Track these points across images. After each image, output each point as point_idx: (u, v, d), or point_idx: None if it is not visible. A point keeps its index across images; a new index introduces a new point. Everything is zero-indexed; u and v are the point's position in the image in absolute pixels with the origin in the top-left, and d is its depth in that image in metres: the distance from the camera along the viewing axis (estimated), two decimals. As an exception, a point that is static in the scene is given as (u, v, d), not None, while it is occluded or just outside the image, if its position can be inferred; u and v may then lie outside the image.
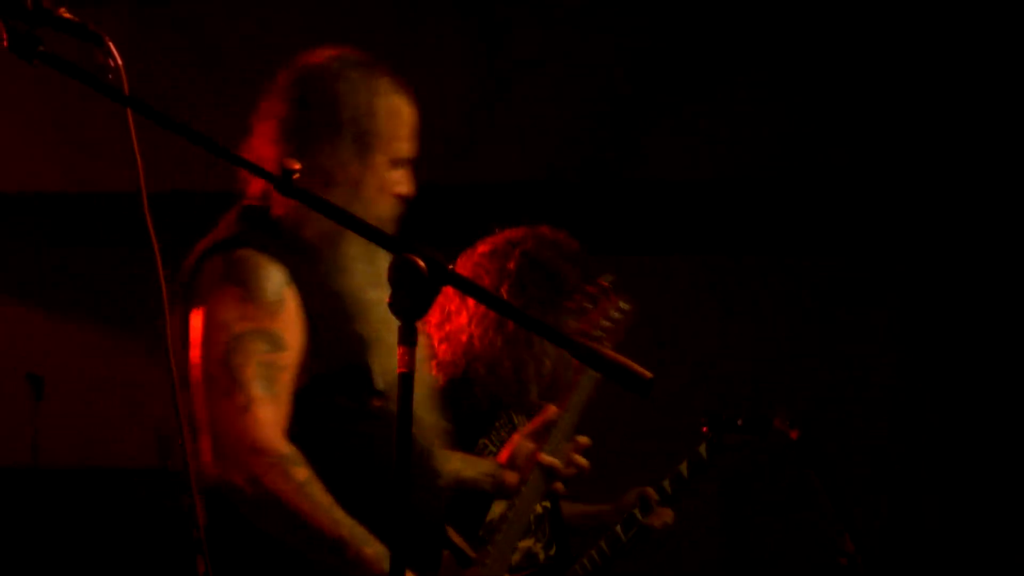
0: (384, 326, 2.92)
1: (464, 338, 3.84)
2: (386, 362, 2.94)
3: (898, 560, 5.41)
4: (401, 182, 3.04)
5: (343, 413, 2.91)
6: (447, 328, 3.89)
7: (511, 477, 3.34)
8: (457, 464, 3.29)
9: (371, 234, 2.35)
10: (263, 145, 2.99)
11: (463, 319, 3.85)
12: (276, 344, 2.82)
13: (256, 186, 3.01)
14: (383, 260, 2.96)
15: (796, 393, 5.61)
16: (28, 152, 5.88)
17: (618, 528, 4.16)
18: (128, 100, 2.20)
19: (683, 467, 4.24)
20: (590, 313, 3.57)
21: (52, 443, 5.72)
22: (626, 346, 3.09)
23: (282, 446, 2.76)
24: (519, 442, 3.39)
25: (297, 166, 2.26)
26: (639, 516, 4.16)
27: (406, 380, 2.18)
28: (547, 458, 3.31)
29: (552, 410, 3.38)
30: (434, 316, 3.94)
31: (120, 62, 2.25)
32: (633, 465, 3.57)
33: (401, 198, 3.05)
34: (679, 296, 5.99)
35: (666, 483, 4.24)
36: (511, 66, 5.75)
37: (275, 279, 2.85)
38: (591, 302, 3.57)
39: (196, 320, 2.86)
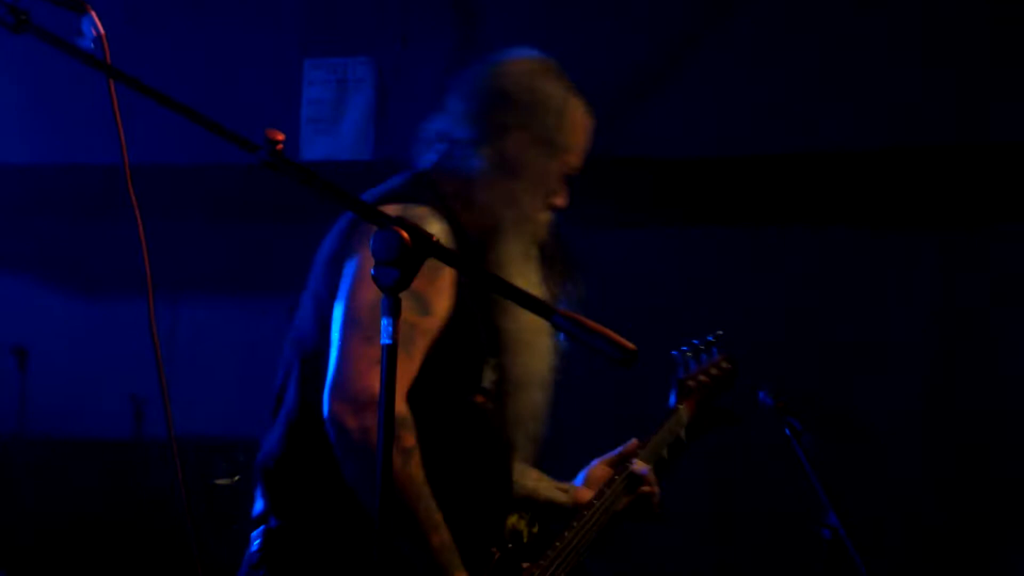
0: (528, 327, 3.00)
1: None
2: (517, 359, 3.01)
3: (938, 528, 5.39)
4: (561, 195, 3.10)
5: (446, 398, 2.93)
6: None
7: (585, 495, 3.34)
8: (534, 480, 3.31)
9: (362, 209, 2.34)
10: (451, 122, 3.05)
11: None
12: (425, 308, 2.83)
13: (429, 154, 3.06)
14: (533, 273, 3.07)
15: (804, 364, 5.59)
16: (8, 123, 5.86)
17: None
18: (110, 70, 2.19)
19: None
20: (692, 365, 3.65)
21: (38, 414, 5.73)
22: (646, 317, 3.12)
23: (401, 407, 2.76)
24: (596, 466, 3.42)
25: (280, 137, 2.25)
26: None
27: (390, 352, 2.17)
28: (640, 466, 3.36)
29: (635, 443, 3.43)
30: None
31: (102, 32, 2.24)
32: (620, 437, 3.57)
33: (556, 210, 3.11)
34: (679, 269, 5.97)
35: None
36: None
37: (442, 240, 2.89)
38: (695, 355, 3.65)
39: (354, 264, 2.86)
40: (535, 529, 3.91)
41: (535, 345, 3.05)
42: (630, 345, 2.18)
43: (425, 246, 2.19)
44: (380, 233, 2.18)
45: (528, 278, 3.02)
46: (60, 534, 5.35)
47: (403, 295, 2.68)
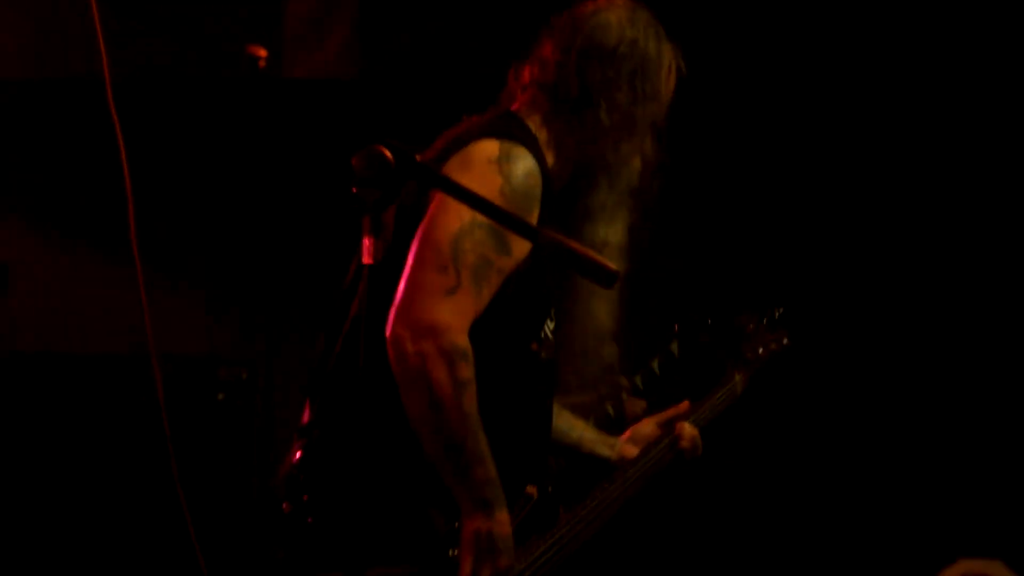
0: (590, 291, 3.05)
1: None
2: (574, 317, 3.06)
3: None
4: (651, 143, 3.11)
5: (503, 341, 2.94)
6: None
7: (630, 450, 3.39)
8: (580, 430, 3.36)
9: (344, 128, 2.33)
10: (546, 72, 3.05)
11: None
12: (504, 247, 2.84)
13: (518, 100, 3.07)
14: (621, 222, 3.09)
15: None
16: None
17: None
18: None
19: (654, 363, 4.27)
20: (754, 338, 3.69)
21: (19, 331, 5.72)
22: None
23: (463, 340, 2.78)
24: (645, 423, 3.46)
25: (263, 53, 2.23)
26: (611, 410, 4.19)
27: (372, 272, 2.18)
28: (686, 437, 3.39)
29: (686, 405, 3.46)
30: None
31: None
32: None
33: (646, 164, 3.12)
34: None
35: (637, 379, 4.27)
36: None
37: (534, 187, 2.89)
38: (757, 328, 3.70)
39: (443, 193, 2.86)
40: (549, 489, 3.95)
41: (599, 294, 3.10)
42: (612, 266, 2.20)
43: (408, 167, 2.18)
44: (363, 151, 2.17)
45: (615, 227, 3.06)
46: (45, 453, 5.36)
47: (486, 230, 2.81)
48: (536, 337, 3.02)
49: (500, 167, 2.87)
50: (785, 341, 3.74)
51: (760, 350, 3.68)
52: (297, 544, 2.90)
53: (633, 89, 3.04)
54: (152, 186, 5.14)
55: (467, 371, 2.79)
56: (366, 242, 2.18)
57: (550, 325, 3.06)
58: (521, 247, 2.87)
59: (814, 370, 4.98)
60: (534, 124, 3.04)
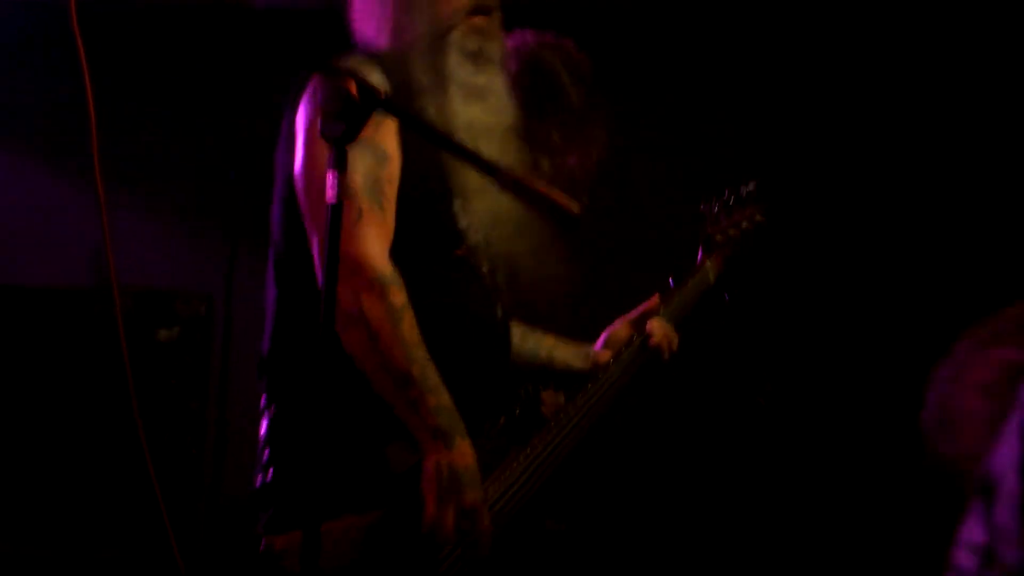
0: (476, 180, 2.90)
1: None
2: (473, 217, 2.94)
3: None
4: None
5: (423, 255, 2.88)
6: None
7: (604, 356, 3.26)
8: (549, 347, 3.27)
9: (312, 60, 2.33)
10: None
11: None
12: (381, 156, 2.79)
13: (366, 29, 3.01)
14: (488, 115, 2.98)
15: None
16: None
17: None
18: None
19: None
20: (720, 218, 3.46)
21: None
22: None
23: (385, 266, 2.73)
24: (618, 326, 3.33)
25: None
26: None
27: (334, 211, 2.17)
28: (658, 334, 3.24)
29: (655, 299, 3.33)
30: None
31: None
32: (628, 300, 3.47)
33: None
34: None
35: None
36: None
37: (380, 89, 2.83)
38: (723, 207, 3.46)
39: (303, 128, 2.81)
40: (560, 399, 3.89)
41: (482, 189, 2.97)
42: (575, 207, 2.18)
43: (372, 99, 2.17)
44: (325, 85, 2.16)
45: (480, 128, 2.94)
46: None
47: (358, 147, 2.66)
48: (456, 237, 2.93)
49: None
50: (758, 218, 3.51)
51: (731, 231, 3.47)
52: (267, 513, 2.84)
53: None
54: (117, 113, 5.12)
55: (399, 296, 2.73)
56: (329, 177, 2.17)
57: (465, 219, 2.95)
58: (395, 147, 2.82)
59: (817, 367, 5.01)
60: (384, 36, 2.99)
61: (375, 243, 2.73)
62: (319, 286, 2.61)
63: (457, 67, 2.96)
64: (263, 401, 2.95)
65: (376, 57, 2.91)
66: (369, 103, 2.17)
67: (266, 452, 2.89)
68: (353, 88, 2.16)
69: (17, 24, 5.52)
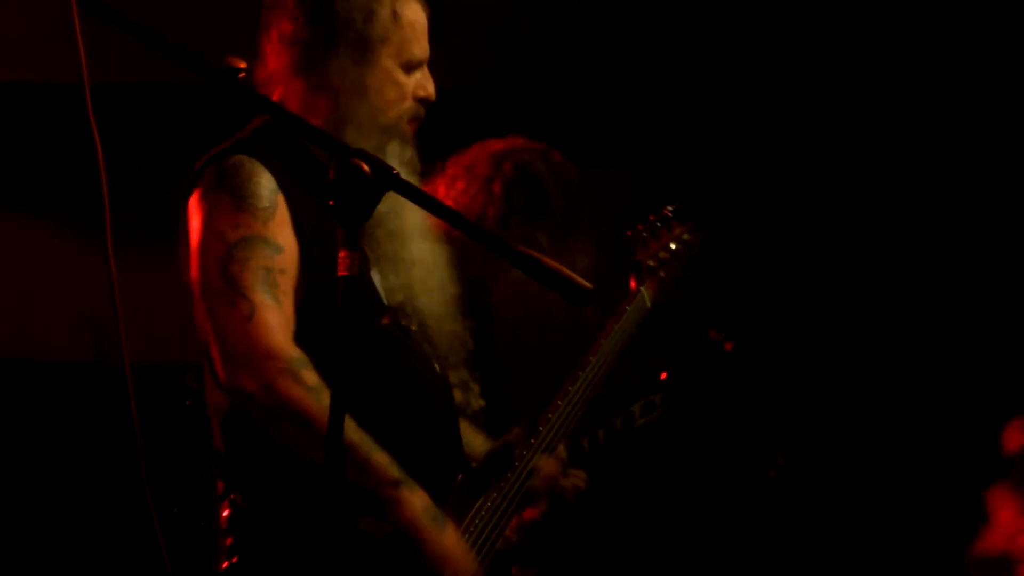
0: (390, 240, 2.96)
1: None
2: (394, 278, 2.96)
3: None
4: (420, 85, 3.02)
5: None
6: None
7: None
8: (478, 443, 3.26)
9: (321, 140, 2.35)
10: (273, 60, 2.99)
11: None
12: (273, 247, 2.80)
13: (276, 93, 3.00)
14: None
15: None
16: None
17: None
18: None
19: (617, 422, 4.21)
20: (649, 241, 3.47)
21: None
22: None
23: (291, 350, 2.74)
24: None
25: (242, 65, 2.24)
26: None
27: (349, 284, 2.18)
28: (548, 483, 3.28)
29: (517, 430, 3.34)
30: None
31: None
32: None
33: (421, 101, 3.03)
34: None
35: (584, 441, 4.21)
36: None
37: (267, 184, 2.84)
38: (650, 231, 3.47)
39: (192, 232, 2.85)
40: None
41: (399, 257, 3.00)
42: (586, 285, 2.19)
43: (386, 180, 2.19)
44: (339, 165, 2.18)
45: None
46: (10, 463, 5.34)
47: (247, 243, 2.76)
48: (377, 308, 2.94)
49: (226, 190, 2.85)
50: (687, 236, 3.51)
51: (661, 253, 3.47)
52: None
53: (348, 37, 2.95)
54: (128, 192, 5.14)
55: (313, 376, 2.73)
56: (341, 254, 2.19)
57: (391, 295, 2.96)
58: (291, 240, 2.83)
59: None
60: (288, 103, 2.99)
61: (276, 332, 2.74)
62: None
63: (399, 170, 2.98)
64: (220, 489, 2.94)
65: (284, 144, 2.91)
66: (382, 182, 2.18)
67: (229, 539, 2.89)
68: (365, 166, 2.18)
69: (35, 106, 5.57)
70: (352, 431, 2.73)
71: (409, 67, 3.00)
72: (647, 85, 5.53)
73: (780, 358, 5.26)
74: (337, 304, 2.79)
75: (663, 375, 4.23)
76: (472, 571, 2.84)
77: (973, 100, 5.25)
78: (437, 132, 3.22)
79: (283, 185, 2.85)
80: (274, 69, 2.98)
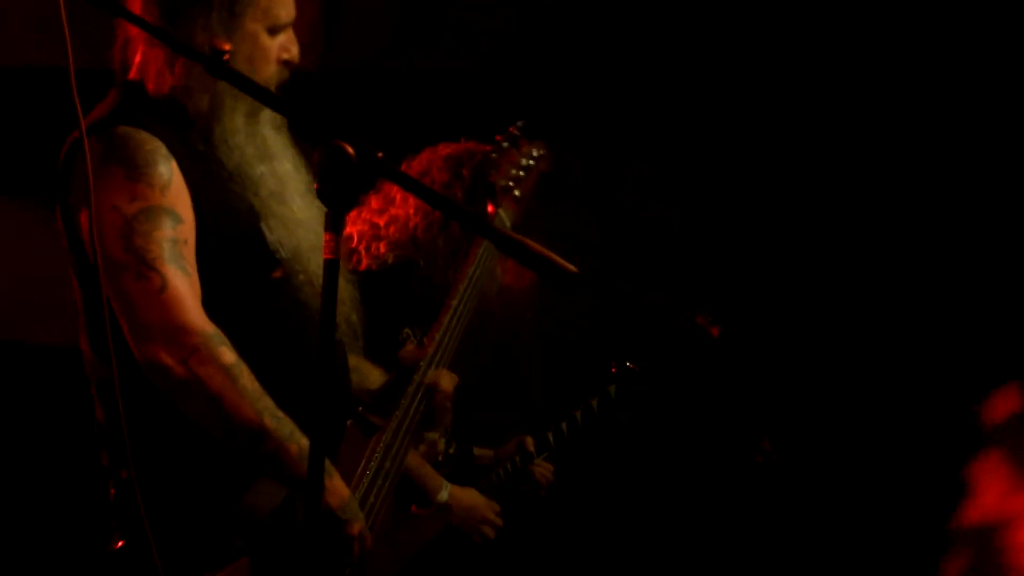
0: (274, 199, 2.91)
1: (408, 226, 3.88)
2: (282, 234, 2.91)
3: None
4: (284, 48, 2.97)
5: (242, 287, 2.86)
6: (390, 213, 3.92)
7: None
8: (368, 374, 3.21)
9: (300, 117, 2.33)
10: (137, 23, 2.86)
11: (409, 208, 3.89)
12: (174, 218, 2.76)
13: (134, 65, 2.93)
14: (268, 134, 2.96)
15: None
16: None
17: (496, 475, 4.18)
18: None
19: (578, 414, 4.23)
20: (500, 162, 3.41)
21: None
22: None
23: (206, 325, 2.72)
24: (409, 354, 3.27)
25: (227, 47, 2.24)
26: (518, 465, 4.17)
27: (332, 267, 2.17)
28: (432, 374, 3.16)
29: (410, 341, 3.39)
30: (375, 200, 3.97)
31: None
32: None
33: (285, 64, 2.98)
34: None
35: (549, 435, 4.24)
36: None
37: (159, 152, 2.79)
38: (499, 151, 3.42)
39: (84, 210, 2.77)
40: (450, 450, 3.96)
41: (283, 215, 2.96)
42: (572, 268, 2.15)
43: (371, 163, 2.18)
44: (324, 148, 2.17)
45: (255, 153, 2.93)
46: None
47: (147, 215, 2.71)
48: (270, 263, 2.91)
49: (117, 163, 2.79)
50: (536, 152, 3.45)
51: (512, 171, 3.40)
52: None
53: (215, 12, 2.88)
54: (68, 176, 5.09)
55: (229, 354, 2.72)
56: (326, 237, 2.18)
57: (283, 249, 2.92)
58: (188, 208, 2.79)
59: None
60: (151, 76, 2.92)
61: (188, 308, 2.72)
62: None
63: (270, 134, 2.97)
64: (105, 462, 2.90)
65: (157, 112, 2.86)
66: (367, 165, 2.17)
67: (115, 519, 2.86)
68: (350, 149, 2.17)
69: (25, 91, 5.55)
70: (268, 414, 2.71)
71: (274, 30, 2.95)
72: (644, 83, 5.53)
73: (767, 343, 5.26)
74: (227, 263, 2.80)
75: (612, 367, 4.24)
76: (357, 515, 2.83)
77: (968, 95, 5.26)
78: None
79: (176, 150, 2.81)
80: (134, 32, 2.90)
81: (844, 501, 5.22)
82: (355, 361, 3.14)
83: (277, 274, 2.90)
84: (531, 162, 3.43)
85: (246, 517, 2.78)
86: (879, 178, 5.39)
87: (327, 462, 2.75)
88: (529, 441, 4.22)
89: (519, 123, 3.49)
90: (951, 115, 5.26)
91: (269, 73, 2.95)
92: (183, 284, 2.72)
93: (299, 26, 3.04)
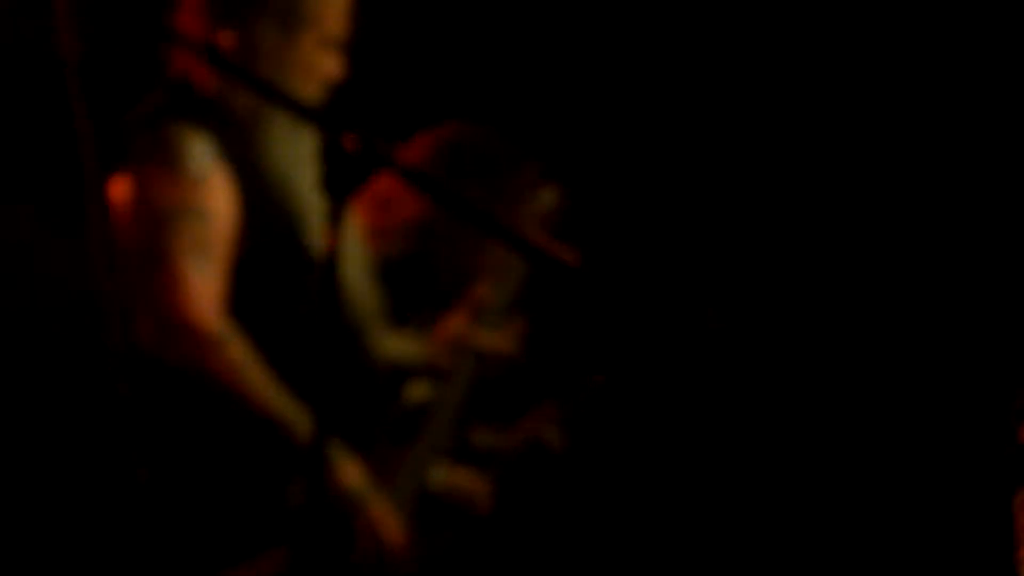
0: (310, 205, 2.92)
1: (425, 215, 3.88)
2: (320, 241, 2.92)
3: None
4: (329, 64, 2.99)
5: (276, 291, 2.91)
6: (410, 203, 3.92)
7: (443, 359, 3.29)
8: (391, 344, 3.26)
9: (300, 110, 2.34)
10: (190, 18, 2.92)
11: (415, 199, 3.89)
12: (204, 217, 2.80)
13: (180, 61, 2.95)
14: (309, 139, 2.93)
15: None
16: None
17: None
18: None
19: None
20: (514, 203, 3.43)
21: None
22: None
23: (216, 323, 2.76)
24: (452, 323, 3.35)
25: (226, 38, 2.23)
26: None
27: (332, 258, 2.17)
28: (478, 340, 3.29)
29: (483, 290, 3.35)
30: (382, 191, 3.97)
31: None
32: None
33: (328, 81, 3.00)
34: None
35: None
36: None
37: (200, 152, 2.83)
38: (516, 190, 3.45)
39: (122, 199, 2.83)
40: None
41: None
42: (570, 258, 2.16)
43: (371, 156, 2.18)
44: (327, 141, 2.17)
45: (296, 158, 2.95)
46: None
47: (178, 213, 2.77)
48: (308, 269, 2.93)
49: (158, 159, 2.83)
50: (547, 194, 3.48)
51: (525, 210, 3.43)
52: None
53: (272, 20, 2.92)
54: (112, 169, 5.12)
55: (238, 349, 2.77)
56: (327, 229, 2.18)
57: (312, 244, 2.95)
58: (226, 207, 2.83)
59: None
60: (200, 74, 2.93)
61: (202, 303, 2.77)
62: None
63: (307, 150, 2.95)
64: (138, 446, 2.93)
65: (204, 111, 2.89)
66: (368, 158, 2.17)
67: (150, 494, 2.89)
68: (350, 144, 2.17)
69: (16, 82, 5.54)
70: (279, 404, 2.77)
71: (324, 45, 2.96)
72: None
73: (769, 339, 5.24)
74: (264, 267, 2.85)
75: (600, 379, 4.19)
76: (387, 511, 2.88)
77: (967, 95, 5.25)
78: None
79: (222, 150, 2.84)
80: (189, 26, 2.91)
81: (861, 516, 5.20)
82: (380, 337, 3.16)
83: (314, 276, 2.89)
84: (543, 205, 3.43)
85: (281, 505, 2.84)
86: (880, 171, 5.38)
87: (341, 445, 2.81)
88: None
89: (536, 165, 3.49)
90: (951, 115, 5.25)
91: (315, 87, 2.97)
92: (199, 282, 2.76)
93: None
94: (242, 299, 2.83)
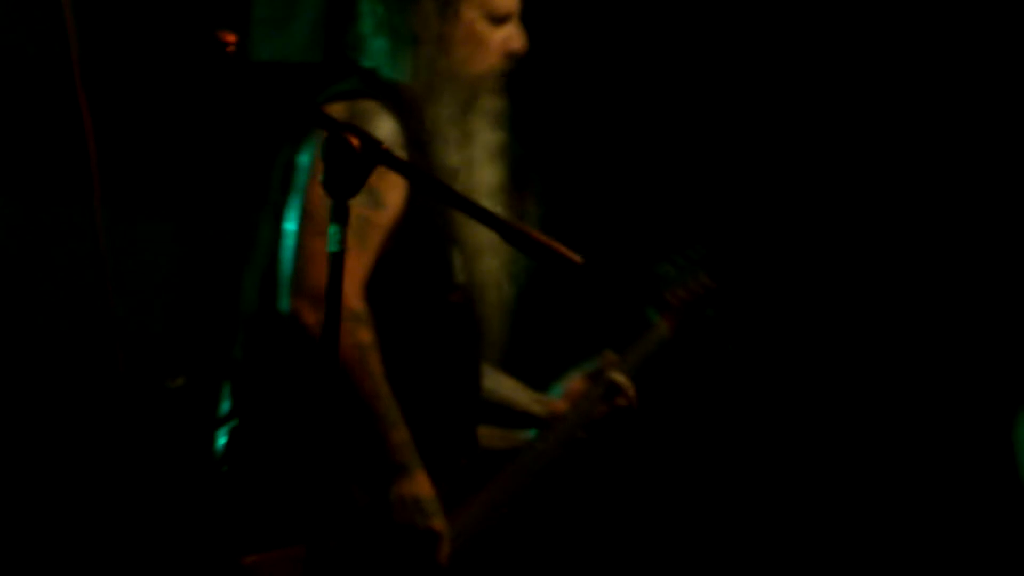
0: (464, 224, 2.96)
1: None
2: (470, 259, 2.99)
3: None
4: (508, 39, 2.99)
5: (417, 302, 2.94)
6: None
7: (561, 406, 3.32)
8: (509, 389, 3.31)
9: (313, 115, 2.34)
10: (373, 24, 2.99)
11: None
12: (376, 201, 2.82)
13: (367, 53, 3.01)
14: (480, 129, 3.01)
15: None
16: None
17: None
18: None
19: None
20: (674, 280, 3.54)
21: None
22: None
23: (356, 302, 2.78)
24: (574, 378, 3.37)
25: (231, 39, 2.23)
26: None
27: (335, 259, 2.17)
28: (622, 379, 3.32)
29: (612, 356, 3.37)
30: None
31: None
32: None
33: (509, 55, 3.00)
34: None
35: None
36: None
37: (389, 135, 2.84)
38: (679, 270, 3.56)
39: (308, 161, 2.86)
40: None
41: (479, 239, 3.03)
42: (577, 259, 2.19)
43: (374, 153, 2.18)
44: (328, 139, 2.17)
45: (470, 151, 3.00)
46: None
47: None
48: (451, 286, 2.97)
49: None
50: (707, 282, 3.59)
51: (682, 293, 3.54)
52: (227, 530, 2.91)
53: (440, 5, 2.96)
54: (118, 169, 5.13)
55: (367, 334, 2.79)
56: (331, 229, 2.18)
57: (459, 267, 3.00)
58: (396, 198, 2.84)
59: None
60: (382, 77, 3.02)
61: (348, 279, 2.76)
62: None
63: (482, 127, 3.01)
64: (226, 408, 2.97)
65: (391, 96, 2.92)
66: (371, 157, 2.18)
67: (223, 469, 2.93)
68: (354, 140, 2.17)
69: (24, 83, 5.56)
70: (382, 400, 2.79)
71: (494, 19, 2.97)
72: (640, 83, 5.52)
73: (769, 339, 5.24)
74: (409, 274, 2.89)
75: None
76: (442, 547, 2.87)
77: (967, 96, 5.25)
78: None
79: (407, 141, 2.87)
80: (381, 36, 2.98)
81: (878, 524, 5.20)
82: (489, 369, 3.20)
83: (454, 297, 2.97)
84: (700, 290, 3.54)
85: (348, 502, 2.85)
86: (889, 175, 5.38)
87: (418, 458, 2.84)
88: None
89: (702, 247, 3.57)
90: (951, 116, 5.25)
91: (488, 64, 2.98)
92: (352, 259, 2.71)
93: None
94: (380, 295, 2.84)
